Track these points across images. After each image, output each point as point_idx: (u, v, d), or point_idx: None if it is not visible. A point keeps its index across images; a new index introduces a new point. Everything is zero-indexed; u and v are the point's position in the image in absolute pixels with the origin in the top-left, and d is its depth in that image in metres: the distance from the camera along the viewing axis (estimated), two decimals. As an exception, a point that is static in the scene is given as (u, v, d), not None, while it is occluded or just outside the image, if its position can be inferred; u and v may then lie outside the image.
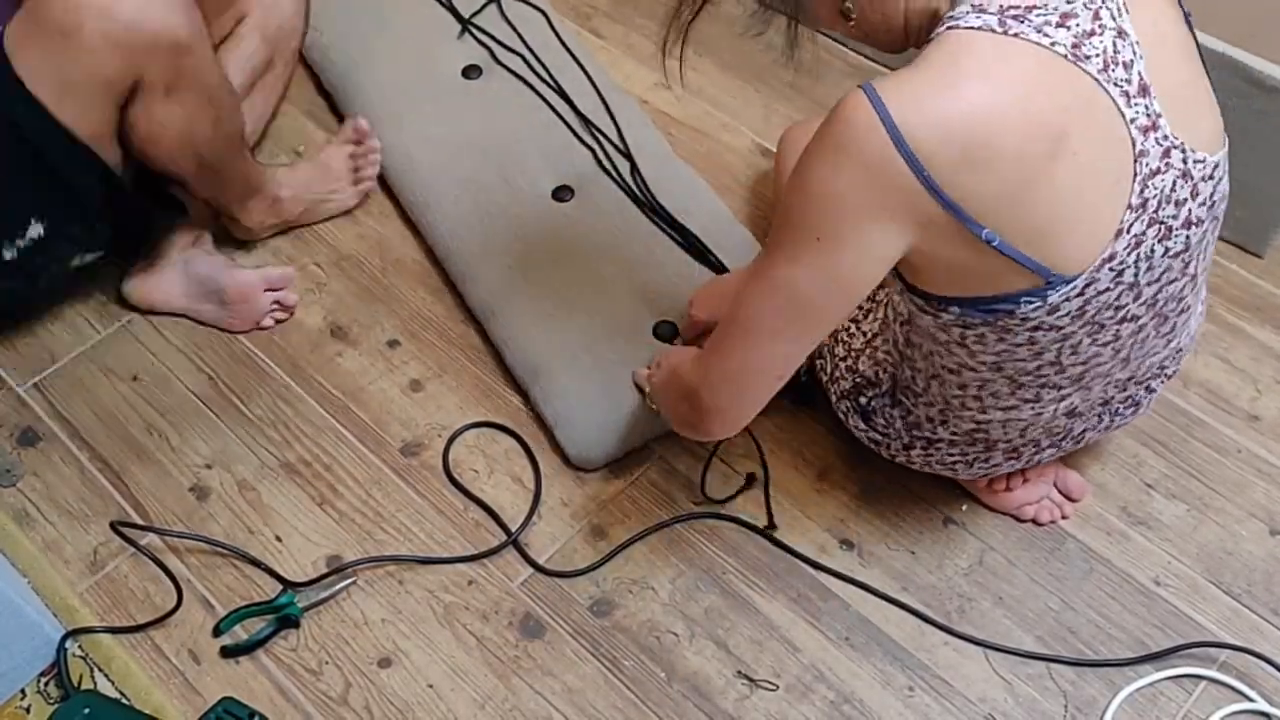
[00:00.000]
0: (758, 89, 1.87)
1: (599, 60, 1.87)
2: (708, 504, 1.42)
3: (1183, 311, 1.16)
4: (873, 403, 1.31)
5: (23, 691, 1.30)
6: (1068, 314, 1.05)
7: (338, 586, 1.35)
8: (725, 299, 1.40)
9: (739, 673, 1.30)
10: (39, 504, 1.44)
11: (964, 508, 1.41)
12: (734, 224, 1.63)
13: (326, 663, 1.31)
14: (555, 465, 1.46)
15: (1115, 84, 0.98)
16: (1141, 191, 1.01)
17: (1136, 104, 0.99)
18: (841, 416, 1.38)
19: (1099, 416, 1.26)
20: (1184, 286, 1.12)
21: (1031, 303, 1.03)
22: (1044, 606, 1.34)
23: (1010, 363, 1.12)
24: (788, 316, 1.06)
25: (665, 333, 1.50)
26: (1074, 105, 0.97)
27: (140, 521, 1.42)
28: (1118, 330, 1.10)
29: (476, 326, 1.59)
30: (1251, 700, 1.26)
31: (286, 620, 1.33)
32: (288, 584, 1.36)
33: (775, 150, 1.64)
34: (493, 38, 1.86)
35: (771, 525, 1.40)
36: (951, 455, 1.28)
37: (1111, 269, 1.03)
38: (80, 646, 1.33)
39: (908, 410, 1.27)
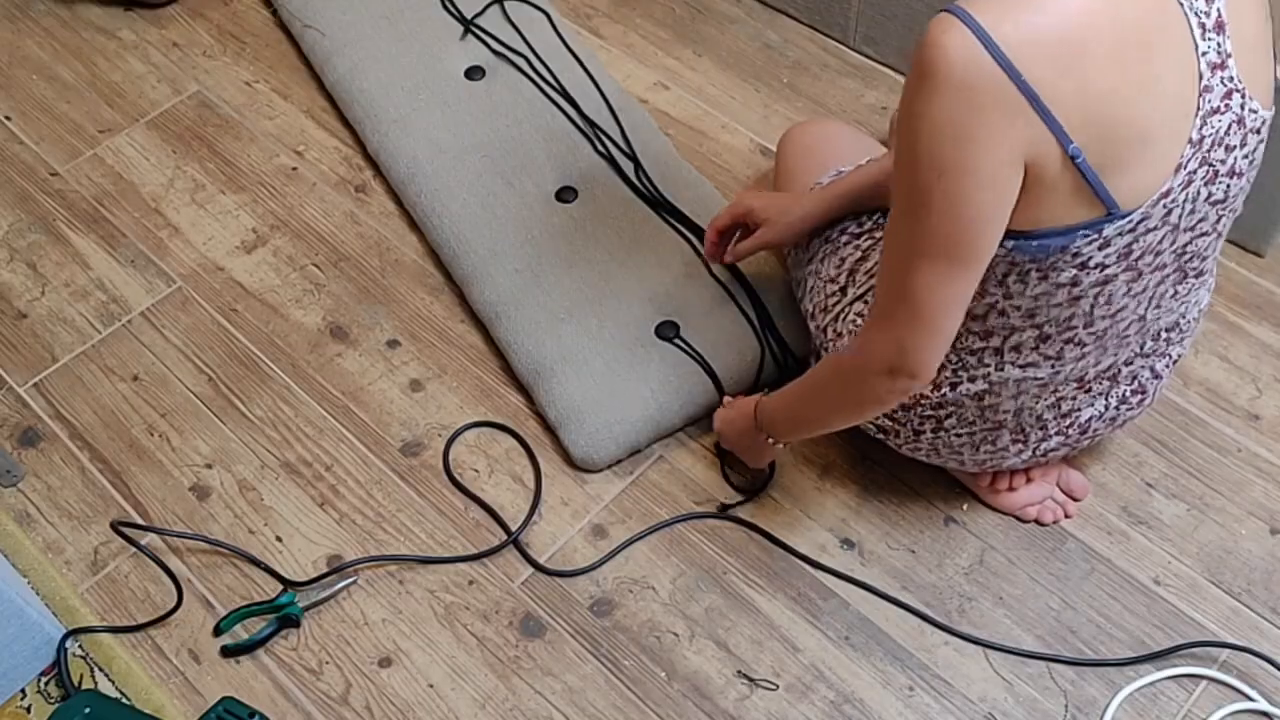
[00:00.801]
0: (757, 89, 1.87)
1: (599, 60, 1.88)
2: (708, 503, 1.42)
3: (1200, 274, 1.17)
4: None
5: (23, 691, 1.30)
6: (1115, 252, 1.05)
7: (338, 586, 1.36)
8: (772, 194, 1.43)
9: (739, 672, 1.30)
10: (40, 504, 1.45)
11: (964, 507, 1.41)
12: (734, 223, 1.63)
13: (327, 662, 1.31)
14: (556, 465, 1.46)
15: (1195, 14, 0.99)
16: (1200, 128, 1.02)
17: (1210, 38, 1.00)
18: None
19: (1105, 401, 1.25)
20: (1210, 244, 1.13)
21: (1088, 236, 1.03)
22: (1044, 606, 1.34)
23: (1045, 309, 1.11)
24: (945, 259, 1.03)
25: (667, 333, 1.49)
26: (1158, 22, 0.98)
27: (141, 521, 1.43)
28: (1147, 281, 1.11)
29: (476, 326, 1.59)
30: (1252, 700, 1.26)
31: (287, 620, 1.33)
32: (288, 584, 1.36)
33: (775, 150, 1.64)
34: (496, 39, 1.86)
35: (727, 507, 1.41)
36: (959, 436, 1.27)
37: (1164, 206, 1.04)
38: (81, 646, 1.33)
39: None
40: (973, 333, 1.17)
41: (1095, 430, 1.28)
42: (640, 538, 1.40)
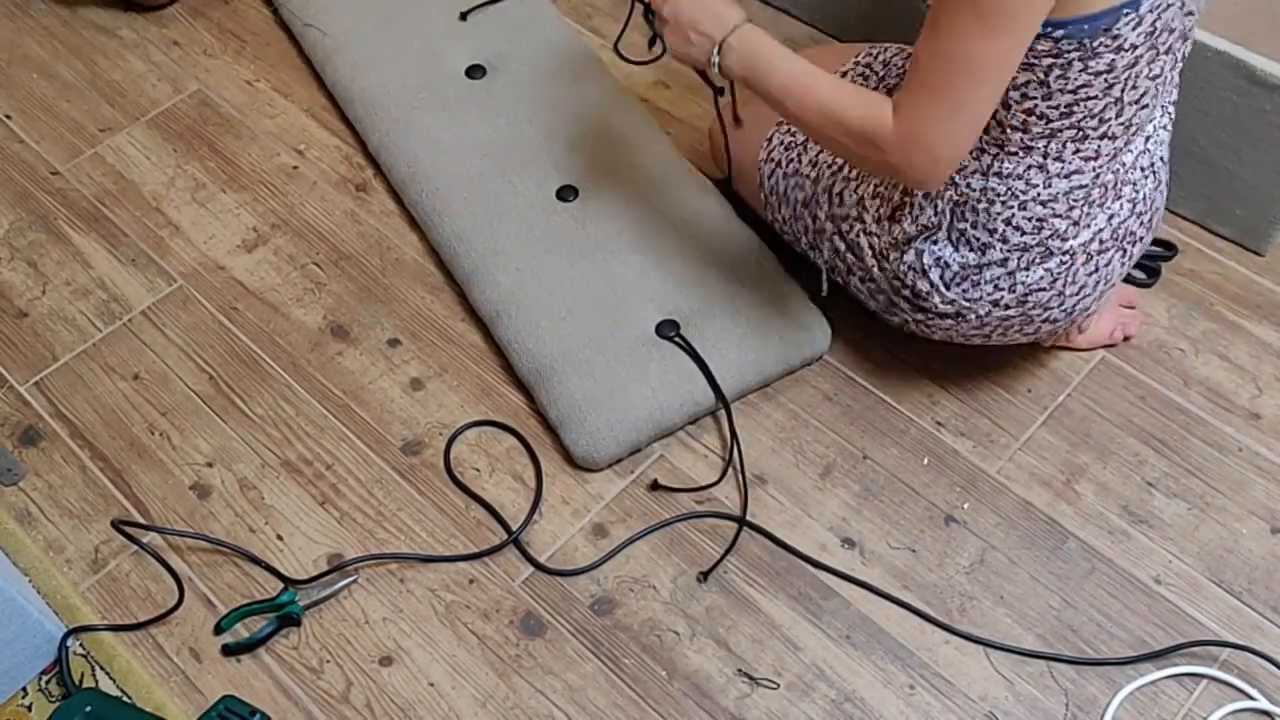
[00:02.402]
0: (758, 88, 1.87)
1: (600, 59, 1.88)
2: (709, 502, 1.42)
3: (1185, 57, 1.25)
4: (939, 252, 1.31)
5: (24, 690, 1.30)
6: (1144, 31, 1.13)
7: (339, 585, 1.36)
8: None
9: (740, 671, 1.30)
10: (40, 503, 1.45)
11: (965, 506, 1.42)
12: (735, 220, 1.62)
13: (328, 661, 1.32)
14: (556, 464, 1.46)
15: None
16: None
17: None
18: (904, 322, 1.40)
19: (1132, 210, 1.31)
20: (1194, 23, 1.21)
21: (1128, 15, 1.11)
22: (1045, 605, 1.34)
23: (1083, 104, 1.18)
24: (993, 23, 1.08)
25: (668, 332, 1.50)
26: None
27: (141, 520, 1.43)
28: (1162, 63, 1.19)
29: (477, 325, 1.59)
30: (1252, 699, 1.26)
31: (288, 618, 1.33)
32: (289, 582, 1.36)
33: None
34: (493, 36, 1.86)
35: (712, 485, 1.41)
36: (1031, 281, 1.30)
37: None
38: (82, 645, 1.33)
39: (969, 227, 1.29)
40: (1016, 152, 1.23)
41: (1138, 236, 1.35)
42: (641, 536, 1.40)
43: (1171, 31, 1.16)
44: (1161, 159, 1.33)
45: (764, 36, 1.26)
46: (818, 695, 1.28)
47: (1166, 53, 1.19)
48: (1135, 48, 1.15)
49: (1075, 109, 1.19)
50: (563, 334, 1.50)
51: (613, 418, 1.43)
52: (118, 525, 1.40)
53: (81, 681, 1.30)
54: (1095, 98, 1.18)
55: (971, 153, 1.26)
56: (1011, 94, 1.20)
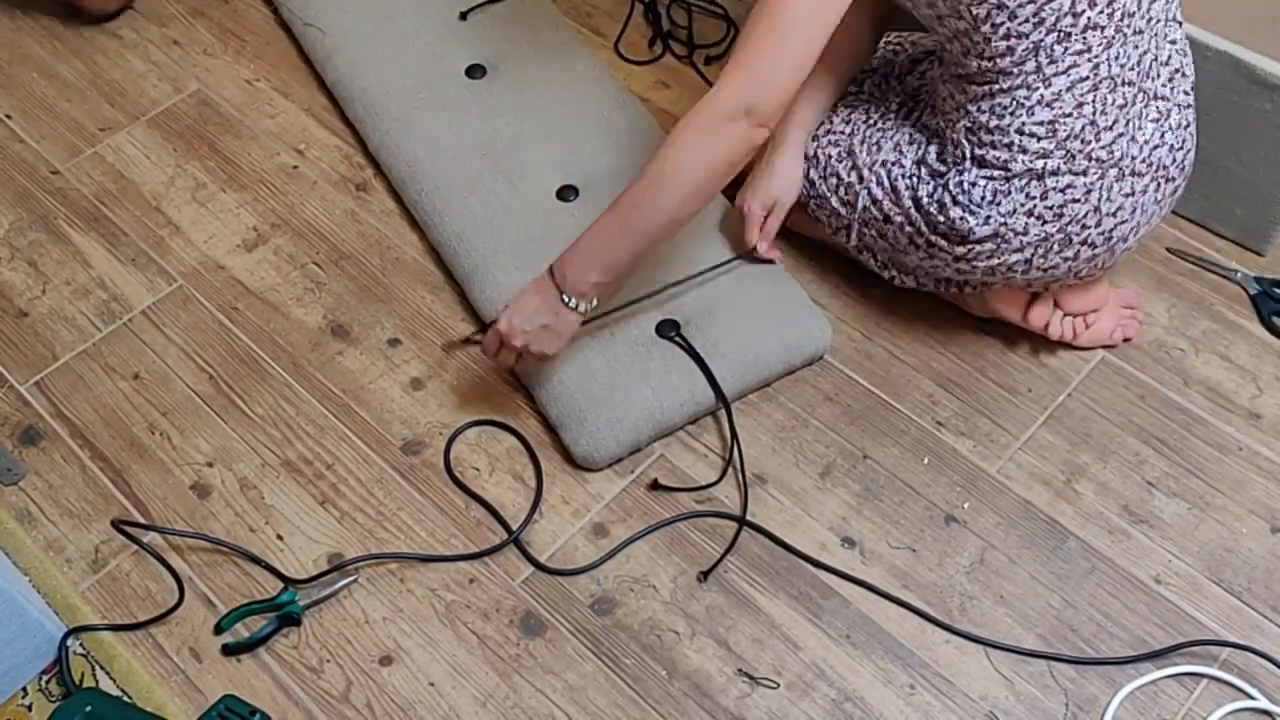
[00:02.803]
0: (759, 87, 1.87)
1: (600, 59, 1.88)
2: (709, 502, 1.42)
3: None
4: (966, 178, 1.34)
5: (24, 689, 1.30)
6: None
7: (339, 584, 1.36)
8: (763, 177, 1.52)
9: (740, 671, 1.30)
10: (40, 503, 1.45)
11: (965, 505, 1.42)
12: (736, 219, 1.62)
13: (328, 661, 1.32)
14: (557, 463, 1.46)
15: None
16: None
17: None
18: (943, 266, 1.42)
19: (1159, 122, 1.35)
20: None
21: None
22: (1045, 605, 1.34)
23: (1047, 6, 1.23)
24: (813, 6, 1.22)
25: (667, 331, 1.49)
26: None
27: (142, 520, 1.43)
28: None
29: (478, 325, 1.59)
30: (1253, 698, 1.26)
31: (288, 618, 1.33)
32: (289, 582, 1.36)
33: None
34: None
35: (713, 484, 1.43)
36: (1062, 186, 1.32)
37: None
38: (82, 644, 1.33)
39: (989, 145, 1.32)
40: (1011, 70, 1.28)
41: (1170, 174, 1.37)
42: (641, 536, 1.40)
43: None
44: (1184, 94, 1.37)
45: (567, 258, 1.33)
46: (818, 695, 1.28)
47: None
48: None
49: (1043, 14, 1.24)
50: (563, 333, 1.50)
51: (613, 417, 1.43)
52: (118, 525, 1.40)
53: (81, 681, 1.30)
54: None
55: (974, 82, 1.32)
56: (984, 28, 1.26)
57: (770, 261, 1.55)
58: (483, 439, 1.49)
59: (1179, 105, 1.37)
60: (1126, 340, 1.55)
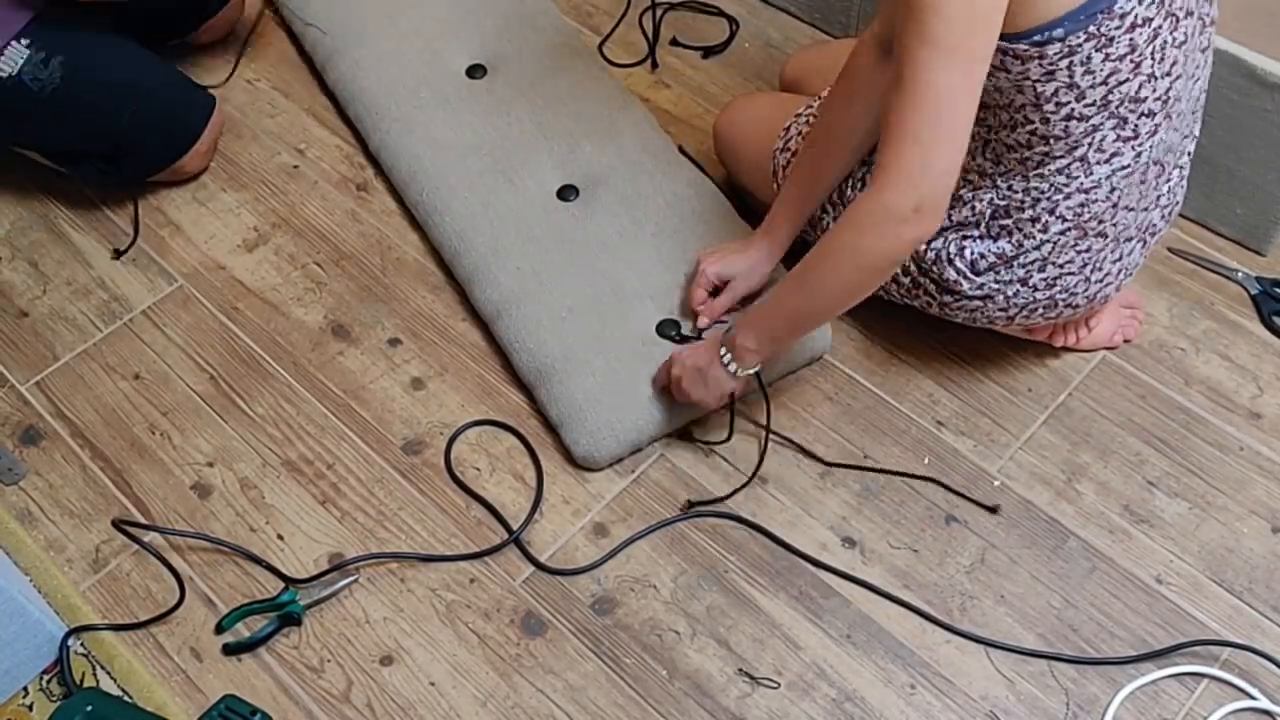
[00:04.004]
0: (759, 87, 1.87)
1: (599, 59, 1.88)
2: (710, 501, 1.42)
3: (1212, 22, 1.25)
4: (974, 248, 1.33)
5: (25, 689, 1.30)
6: (1152, 1, 1.14)
7: (340, 584, 1.36)
8: (732, 252, 1.48)
9: (740, 670, 1.30)
10: (41, 502, 1.45)
11: (966, 505, 1.42)
12: (737, 220, 1.62)
13: (328, 660, 1.32)
14: (557, 463, 1.46)
15: None
16: None
17: None
18: (926, 304, 1.41)
19: (1156, 201, 1.33)
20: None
21: None
22: (1046, 604, 1.34)
23: (1116, 90, 1.18)
24: (964, 53, 1.09)
25: (668, 331, 1.49)
26: None
27: (142, 520, 1.43)
28: (1185, 29, 1.19)
29: (478, 324, 1.59)
30: (1253, 698, 1.26)
31: (288, 618, 1.33)
32: (290, 581, 1.36)
33: (714, 136, 1.67)
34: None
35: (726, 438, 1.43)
36: (1062, 262, 1.30)
37: None
38: (83, 644, 1.33)
39: (1012, 224, 1.30)
40: (1055, 158, 1.24)
41: (1158, 228, 1.37)
42: (641, 536, 1.40)
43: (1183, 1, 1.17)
44: (1188, 154, 1.34)
45: (745, 319, 1.33)
46: (818, 695, 1.28)
47: (1187, 16, 1.19)
48: (1149, 20, 1.14)
49: (1111, 97, 1.19)
50: (563, 333, 1.50)
51: (613, 417, 1.43)
52: (118, 525, 1.40)
53: (82, 681, 1.30)
54: (1127, 80, 1.18)
55: (1013, 157, 1.27)
56: (1046, 106, 1.20)
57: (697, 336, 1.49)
58: (483, 439, 1.49)
59: (1180, 165, 1.34)
60: (1127, 341, 1.55)
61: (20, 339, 1.61)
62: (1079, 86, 1.18)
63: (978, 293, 1.35)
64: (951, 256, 1.34)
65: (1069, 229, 1.28)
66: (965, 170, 1.32)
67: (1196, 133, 1.34)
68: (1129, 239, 1.33)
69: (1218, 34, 1.51)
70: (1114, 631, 1.32)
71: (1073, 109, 1.20)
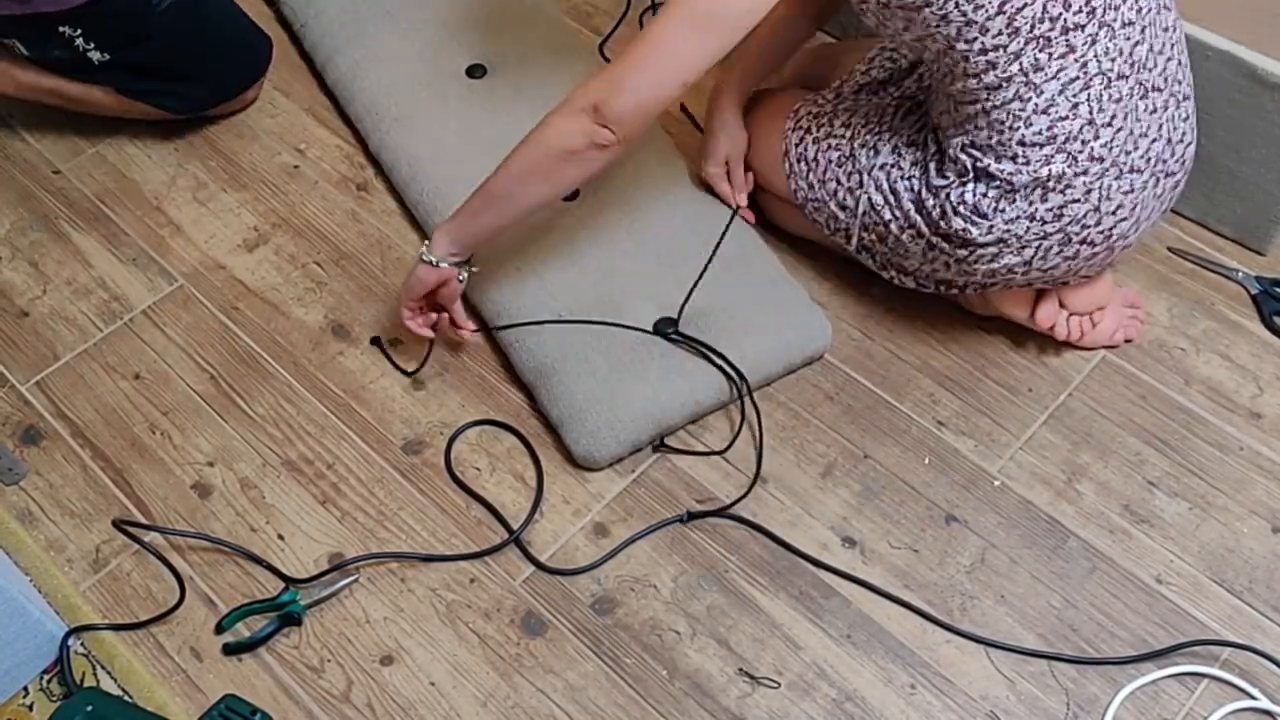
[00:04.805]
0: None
1: (599, 58, 1.88)
2: (709, 501, 1.42)
3: None
4: (970, 191, 1.34)
5: (25, 689, 1.30)
6: None
7: (340, 584, 1.36)
8: (716, 144, 1.61)
9: (741, 670, 1.30)
10: (41, 502, 1.45)
11: (966, 504, 1.42)
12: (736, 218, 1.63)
13: (329, 660, 1.32)
14: (557, 463, 1.46)
15: None
16: None
17: None
18: (945, 266, 1.42)
19: (1159, 131, 1.33)
20: None
21: None
22: (1046, 604, 1.34)
23: (1018, 15, 1.22)
24: (707, 19, 1.23)
25: (666, 329, 1.49)
26: None
27: (142, 519, 1.43)
28: None
29: (479, 325, 1.59)
30: (1254, 698, 1.26)
31: (289, 618, 1.33)
32: (290, 581, 1.36)
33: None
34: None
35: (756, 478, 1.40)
36: (1061, 187, 1.31)
37: None
38: (83, 644, 1.33)
39: (992, 162, 1.32)
40: (999, 85, 1.27)
41: (1170, 168, 1.37)
42: (641, 536, 1.40)
43: None
44: (1181, 84, 1.35)
45: (441, 232, 1.42)
46: (819, 695, 1.28)
47: None
48: None
49: (1016, 22, 1.22)
50: (563, 333, 1.50)
51: (613, 417, 1.43)
52: (119, 524, 1.40)
53: (82, 681, 1.30)
54: (1027, 4, 1.21)
55: (965, 102, 1.31)
56: (959, 46, 1.26)
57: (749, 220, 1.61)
58: (483, 438, 1.49)
59: (1176, 97, 1.35)
60: (1128, 341, 1.55)
61: (20, 339, 1.61)
62: (976, 21, 1.23)
63: (989, 237, 1.35)
64: (955, 205, 1.35)
65: (1052, 153, 1.29)
66: (935, 129, 1.40)
67: (1183, 60, 1.36)
68: (1135, 170, 1.33)
69: (1218, 34, 1.51)
70: (1114, 631, 1.32)
71: (983, 43, 1.24)
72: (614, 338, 1.49)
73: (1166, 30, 1.33)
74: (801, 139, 1.52)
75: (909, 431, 1.48)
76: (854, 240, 1.50)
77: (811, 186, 1.50)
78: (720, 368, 1.46)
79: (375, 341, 1.57)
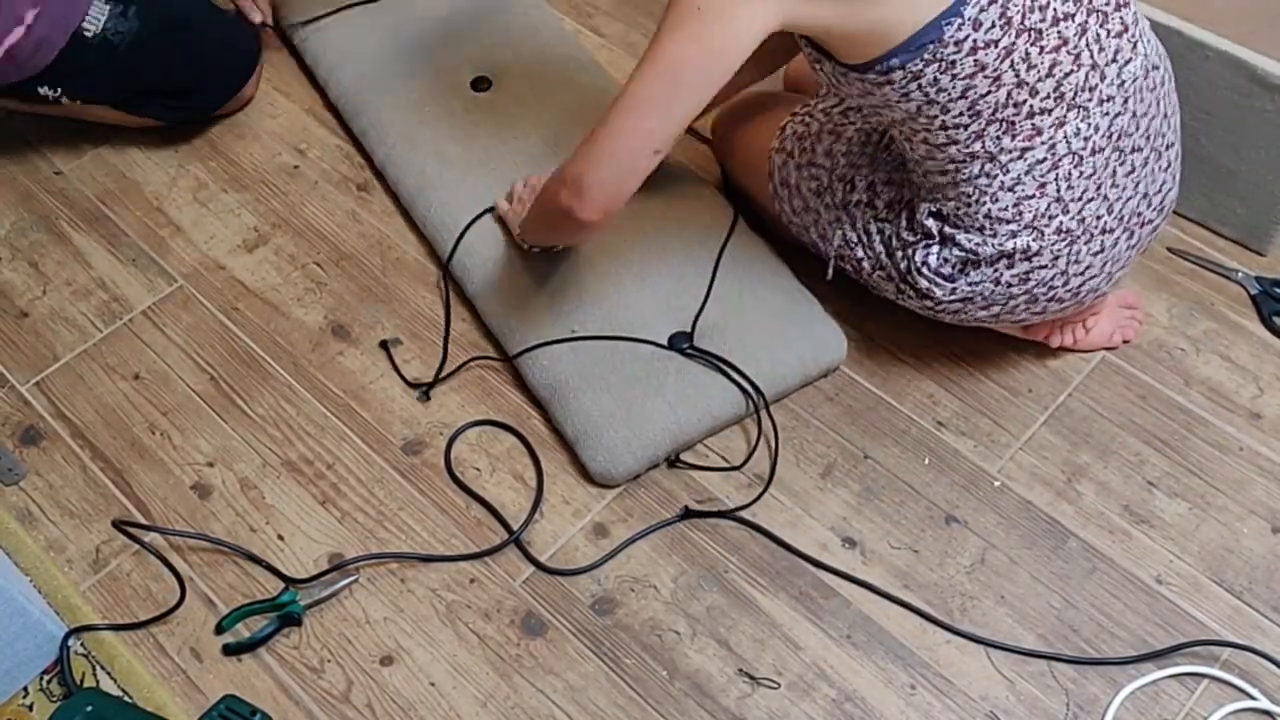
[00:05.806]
0: (762, 87, 1.86)
1: (599, 59, 1.87)
2: (709, 502, 1.42)
3: (1122, 6, 1.22)
4: (935, 255, 1.33)
5: (25, 689, 1.30)
6: (993, 24, 1.13)
7: (340, 584, 1.36)
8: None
9: (741, 671, 1.30)
10: (41, 503, 1.45)
11: (966, 505, 1.42)
12: (746, 231, 1.61)
13: (329, 661, 1.32)
14: (557, 464, 1.46)
15: None
16: None
17: None
18: (917, 308, 1.41)
19: (1136, 188, 1.30)
20: None
21: (952, 23, 1.12)
22: (1046, 605, 1.34)
23: (981, 101, 1.18)
24: (671, 87, 1.19)
25: (680, 343, 1.48)
26: None
27: (142, 520, 1.43)
28: (1059, 32, 1.17)
29: (478, 324, 1.59)
30: (1253, 698, 1.26)
31: (289, 618, 1.33)
32: (290, 582, 1.36)
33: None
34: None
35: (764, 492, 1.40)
36: (1029, 256, 1.30)
37: None
38: (83, 644, 1.33)
39: (959, 231, 1.30)
40: (964, 160, 1.24)
41: (1146, 218, 1.34)
42: (641, 536, 1.40)
43: (1044, 9, 1.14)
44: (1165, 134, 1.32)
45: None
46: (818, 695, 1.28)
47: (1059, 21, 1.16)
48: (995, 41, 1.14)
49: (978, 107, 1.19)
50: (575, 349, 1.48)
51: (630, 433, 1.41)
52: (119, 525, 1.40)
53: (82, 681, 1.30)
54: (989, 92, 1.18)
55: (935, 172, 1.29)
56: (920, 119, 1.22)
57: None
58: (483, 439, 1.49)
59: (1158, 149, 1.31)
60: (1126, 342, 1.55)
61: (20, 339, 1.61)
62: (938, 102, 1.19)
63: (953, 297, 1.35)
64: (919, 266, 1.34)
65: (1019, 229, 1.28)
66: (901, 185, 1.38)
67: (1170, 111, 1.31)
68: (1107, 231, 1.31)
69: (1217, 34, 1.51)
70: (1114, 632, 1.32)
71: (943, 120, 1.21)
72: (628, 354, 1.48)
73: (1154, 89, 1.28)
74: (785, 162, 1.49)
75: (909, 432, 1.48)
76: (831, 270, 1.49)
77: (795, 211, 1.49)
78: (736, 382, 1.45)
79: (384, 345, 1.57)
